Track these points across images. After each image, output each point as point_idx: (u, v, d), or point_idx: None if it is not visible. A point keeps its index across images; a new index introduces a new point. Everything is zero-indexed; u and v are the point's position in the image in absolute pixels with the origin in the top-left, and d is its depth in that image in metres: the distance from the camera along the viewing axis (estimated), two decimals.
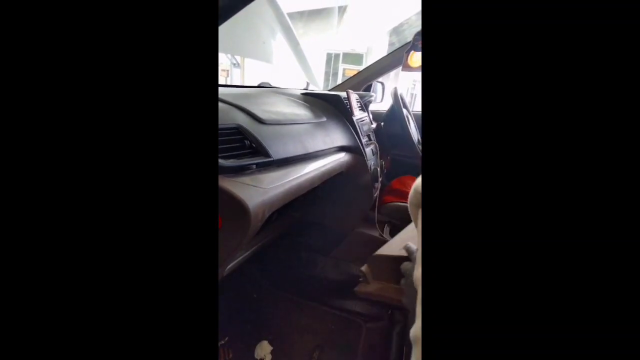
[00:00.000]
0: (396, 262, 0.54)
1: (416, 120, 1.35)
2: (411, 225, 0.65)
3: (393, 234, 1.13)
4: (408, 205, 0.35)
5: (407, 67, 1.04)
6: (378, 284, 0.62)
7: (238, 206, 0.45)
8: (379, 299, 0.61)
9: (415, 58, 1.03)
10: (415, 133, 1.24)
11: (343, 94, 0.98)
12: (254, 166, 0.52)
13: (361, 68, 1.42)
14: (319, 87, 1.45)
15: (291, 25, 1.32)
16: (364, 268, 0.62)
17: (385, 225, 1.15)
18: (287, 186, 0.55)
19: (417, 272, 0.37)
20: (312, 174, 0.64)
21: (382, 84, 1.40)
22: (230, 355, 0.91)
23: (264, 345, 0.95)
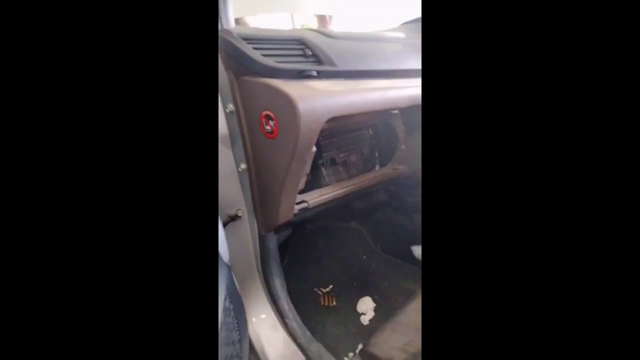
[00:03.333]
0: None
1: None
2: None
3: None
4: None
5: None
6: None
7: (286, 103, 0.44)
8: None
9: None
10: None
11: None
12: (315, 73, 0.50)
13: None
14: None
15: None
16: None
17: None
18: (349, 96, 0.49)
19: None
20: (390, 92, 0.55)
21: None
22: (334, 303, 0.92)
23: (366, 300, 0.90)
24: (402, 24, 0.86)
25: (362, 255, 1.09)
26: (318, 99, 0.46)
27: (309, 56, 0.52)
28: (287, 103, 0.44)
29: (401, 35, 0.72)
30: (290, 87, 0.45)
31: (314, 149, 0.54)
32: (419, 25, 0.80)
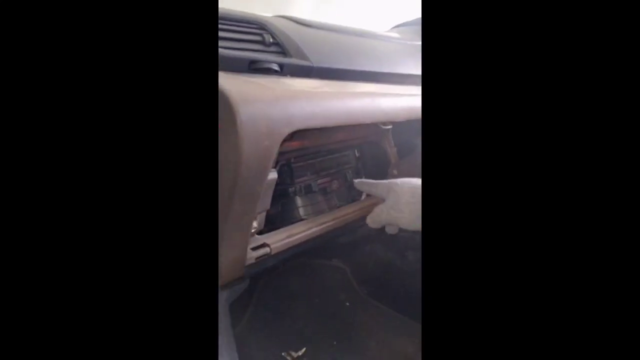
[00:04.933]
0: None
1: None
2: None
3: None
4: None
5: None
6: None
7: (221, 106, 0.28)
8: None
9: None
10: None
11: None
12: (276, 66, 0.34)
13: None
14: None
15: None
16: None
17: None
18: (325, 101, 0.33)
19: None
20: (382, 101, 0.40)
21: None
22: None
23: None
24: (394, 27, 0.73)
25: (345, 302, 0.90)
26: (275, 103, 0.30)
27: (269, 44, 0.36)
28: (223, 106, 0.28)
29: (395, 35, 0.58)
30: (231, 83, 0.29)
31: (274, 175, 0.37)
32: (416, 28, 0.67)
